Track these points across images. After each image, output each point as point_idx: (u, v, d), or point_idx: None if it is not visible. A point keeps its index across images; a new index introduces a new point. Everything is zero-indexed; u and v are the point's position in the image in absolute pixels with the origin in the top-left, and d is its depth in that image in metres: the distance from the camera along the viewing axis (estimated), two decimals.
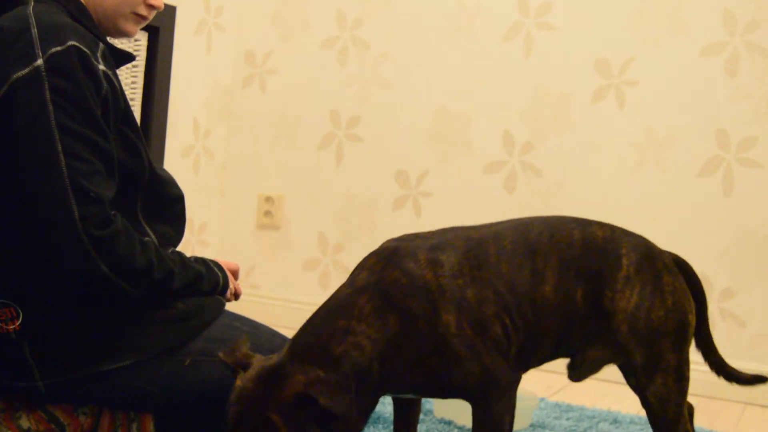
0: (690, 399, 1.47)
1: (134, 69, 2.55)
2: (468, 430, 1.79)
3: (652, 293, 1.34)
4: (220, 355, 1.28)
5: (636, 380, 1.37)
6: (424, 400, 1.50)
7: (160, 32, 2.62)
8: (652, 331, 1.33)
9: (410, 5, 2.83)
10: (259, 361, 1.23)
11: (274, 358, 1.23)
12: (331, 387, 1.17)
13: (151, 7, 1.50)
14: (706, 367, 1.53)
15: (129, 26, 1.49)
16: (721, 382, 1.53)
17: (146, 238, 1.40)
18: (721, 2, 2.42)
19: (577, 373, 1.42)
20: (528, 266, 1.31)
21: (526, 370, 1.36)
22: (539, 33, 2.65)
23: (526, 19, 2.66)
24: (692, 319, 1.36)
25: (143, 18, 1.50)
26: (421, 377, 1.26)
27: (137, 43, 2.53)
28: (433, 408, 1.93)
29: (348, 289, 1.27)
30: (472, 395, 1.29)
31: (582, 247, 1.35)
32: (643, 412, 2.09)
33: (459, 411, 1.86)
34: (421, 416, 1.87)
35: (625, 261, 1.35)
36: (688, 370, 1.36)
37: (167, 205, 1.56)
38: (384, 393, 1.29)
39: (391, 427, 1.75)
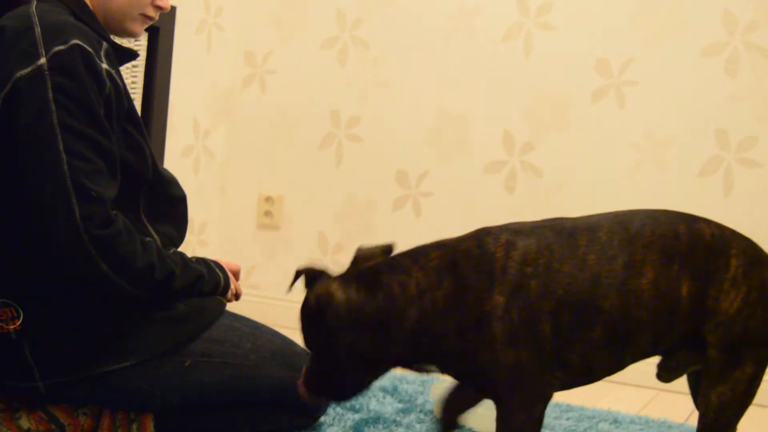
0: (685, 397, 1.46)
1: (134, 69, 2.55)
2: (468, 430, 1.79)
3: (756, 300, 1.29)
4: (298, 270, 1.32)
5: (706, 381, 1.31)
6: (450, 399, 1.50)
7: (160, 32, 2.62)
8: (744, 339, 1.28)
9: (410, 5, 2.83)
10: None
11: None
12: (345, 298, 1.20)
13: (158, 8, 1.51)
14: None
15: (136, 27, 1.50)
16: None
17: (148, 239, 1.40)
18: (721, 2, 2.42)
19: (667, 375, 1.37)
20: (622, 258, 1.25)
21: (621, 364, 1.30)
22: (539, 33, 2.65)
23: (526, 19, 2.66)
24: None
25: (150, 19, 1.51)
26: (453, 349, 1.24)
27: (137, 43, 2.53)
28: (433, 408, 1.93)
29: (435, 243, 1.29)
30: (497, 389, 1.24)
31: (688, 243, 1.29)
32: (643, 412, 2.09)
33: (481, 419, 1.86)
34: (421, 416, 1.87)
35: (734, 262, 1.29)
36: (758, 386, 1.32)
37: (170, 205, 1.56)
38: (407, 359, 1.28)
39: (392, 427, 1.75)
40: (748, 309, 1.28)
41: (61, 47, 1.30)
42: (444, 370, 1.31)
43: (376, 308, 1.21)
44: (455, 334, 1.22)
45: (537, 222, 1.31)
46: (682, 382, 1.44)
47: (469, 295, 1.22)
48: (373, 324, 1.22)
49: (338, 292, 1.21)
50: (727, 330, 1.28)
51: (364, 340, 1.22)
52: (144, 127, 1.49)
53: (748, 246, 1.34)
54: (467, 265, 1.24)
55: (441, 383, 1.94)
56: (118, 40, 1.56)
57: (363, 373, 1.27)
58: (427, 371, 1.35)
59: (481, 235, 1.28)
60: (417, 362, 1.31)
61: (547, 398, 1.26)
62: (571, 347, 1.24)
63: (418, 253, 1.27)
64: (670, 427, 1.93)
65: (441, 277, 1.23)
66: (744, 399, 1.31)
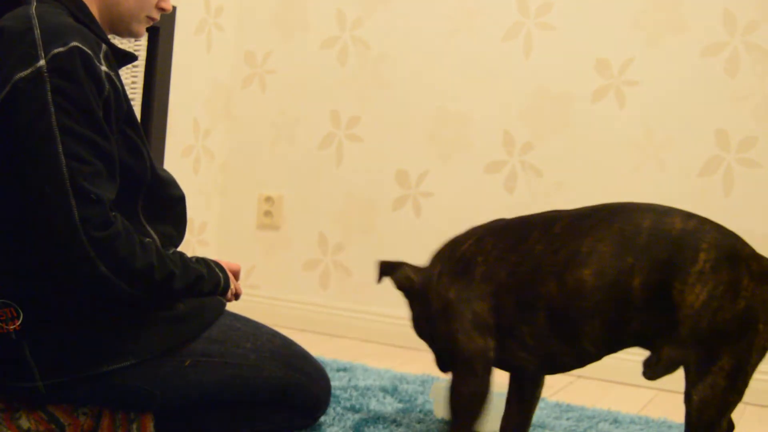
0: None
1: (134, 69, 2.55)
2: None
3: (723, 293, 1.29)
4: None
5: (688, 379, 1.33)
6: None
7: (160, 32, 2.62)
8: (714, 332, 1.29)
9: (410, 5, 2.83)
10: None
11: None
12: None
13: (161, 9, 1.53)
14: None
15: (141, 28, 1.54)
16: None
17: (147, 239, 1.40)
18: (721, 2, 2.42)
19: (650, 371, 1.38)
20: (568, 249, 1.36)
21: (583, 353, 1.39)
22: (539, 33, 2.65)
23: (526, 19, 2.66)
24: (764, 330, 1.29)
25: (153, 20, 1.54)
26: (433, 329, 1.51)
27: (137, 43, 2.53)
28: (433, 408, 1.93)
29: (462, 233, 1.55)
30: (450, 359, 1.48)
31: (649, 236, 1.33)
32: (643, 412, 2.09)
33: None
34: (421, 416, 1.87)
35: (702, 256, 1.30)
36: (743, 383, 1.30)
37: (168, 206, 1.56)
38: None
39: (392, 427, 1.76)
40: (715, 303, 1.29)
41: (61, 49, 1.30)
42: (433, 343, 1.55)
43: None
44: (432, 319, 1.50)
45: (513, 218, 1.49)
46: (682, 382, 1.44)
47: (432, 283, 1.49)
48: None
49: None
50: (694, 323, 1.29)
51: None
52: (142, 129, 1.49)
53: (723, 241, 1.33)
54: (450, 255, 1.50)
55: (440, 383, 1.95)
56: (118, 41, 1.57)
57: None
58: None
59: (470, 232, 1.51)
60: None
61: (485, 353, 1.43)
62: (521, 327, 1.40)
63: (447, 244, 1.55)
64: (670, 427, 1.93)
65: (436, 263, 1.52)
66: (725, 396, 1.30)
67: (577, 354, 1.40)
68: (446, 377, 2.02)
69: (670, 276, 1.31)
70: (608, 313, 1.34)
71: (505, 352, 1.44)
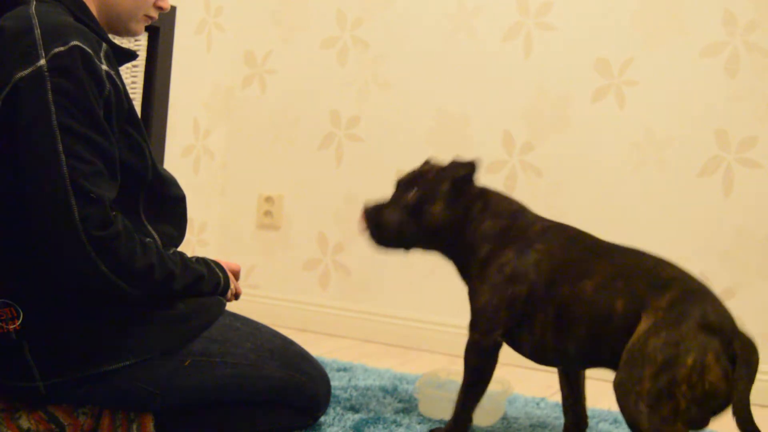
0: None
1: (134, 69, 2.55)
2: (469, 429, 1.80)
3: (665, 325, 1.40)
4: None
5: (615, 395, 1.44)
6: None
7: (160, 32, 2.62)
8: (641, 354, 1.40)
9: (410, 5, 2.83)
10: None
11: None
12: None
13: (159, 8, 1.54)
14: None
15: (139, 27, 1.54)
16: None
17: (148, 239, 1.41)
18: (721, 2, 2.42)
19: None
20: (582, 266, 1.55)
21: (566, 352, 1.56)
22: (539, 33, 2.65)
23: (526, 19, 2.66)
24: (688, 374, 1.36)
25: (151, 18, 1.54)
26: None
27: (137, 43, 2.53)
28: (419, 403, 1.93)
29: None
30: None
31: (641, 272, 1.51)
32: None
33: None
34: (421, 416, 1.87)
35: (668, 295, 1.44)
36: (668, 409, 1.37)
37: (169, 205, 1.56)
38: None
39: (392, 427, 1.76)
40: (654, 330, 1.40)
41: (61, 48, 1.30)
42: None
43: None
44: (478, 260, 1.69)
45: (580, 234, 1.66)
46: None
47: (500, 236, 1.68)
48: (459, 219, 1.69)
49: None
50: (631, 344, 1.43)
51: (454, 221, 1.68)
52: (143, 127, 1.50)
53: (693, 288, 1.47)
54: (514, 225, 1.70)
55: (427, 376, 1.96)
56: (117, 40, 1.57)
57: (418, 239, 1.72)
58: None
59: (541, 219, 1.71)
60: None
61: (493, 336, 1.60)
62: (538, 314, 1.57)
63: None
64: None
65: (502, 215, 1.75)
66: (652, 417, 1.37)
67: (561, 353, 1.57)
68: (430, 375, 2.02)
69: (640, 307, 1.46)
70: (594, 325, 1.51)
71: (517, 329, 1.61)
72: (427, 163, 1.78)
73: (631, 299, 1.47)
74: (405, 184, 1.73)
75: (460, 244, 1.69)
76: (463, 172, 1.70)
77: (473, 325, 1.63)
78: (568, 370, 1.74)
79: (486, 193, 1.75)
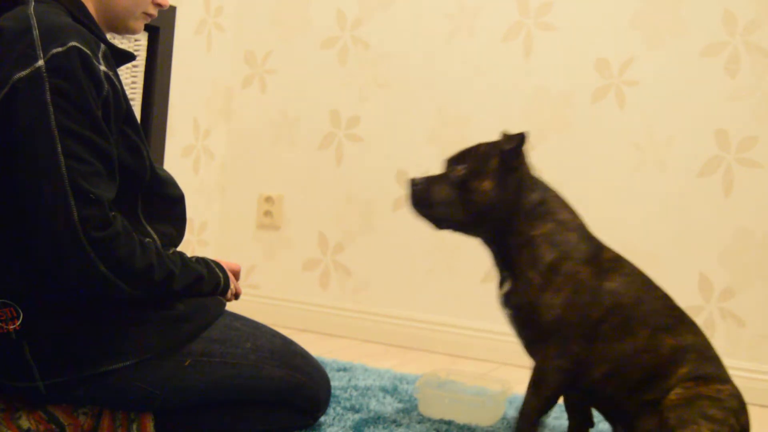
0: None
1: (134, 69, 2.55)
2: (469, 429, 1.79)
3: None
4: None
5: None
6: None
7: (160, 32, 2.62)
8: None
9: (410, 5, 2.83)
10: None
11: None
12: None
13: (158, 5, 1.53)
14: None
15: (138, 25, 1.54)
16: None
17: (147, 239, 1.41)
18: (721, 2, 2.42)
19: None
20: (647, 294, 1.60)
21: (578, 348, 1.57)
22: (539, 33, 2.65)
23: (526, 19, 2.66)
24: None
25: (150, 16, 1.54)
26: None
27: (137, 43, 2.53)
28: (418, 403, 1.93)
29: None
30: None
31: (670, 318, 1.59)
32: None
33: (459, 411, 1.86)
34: (421, 417, 1.87)
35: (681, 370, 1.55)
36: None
37: (168, 206, 1.56)
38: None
39: (392, 427, 1.75)
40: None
41: (59, 49, 1.30)
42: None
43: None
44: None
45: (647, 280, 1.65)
46: None
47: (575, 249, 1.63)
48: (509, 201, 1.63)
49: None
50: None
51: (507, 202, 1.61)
52: (141, 128, 1.50)
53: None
54: (591, 240, 1.65)
55: (427, 376, 1.96)
56: (117, 39, 1.57)
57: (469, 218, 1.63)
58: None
59: (616, 256, 1.66)
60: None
61: (562, 364, 1.58)
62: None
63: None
64: None
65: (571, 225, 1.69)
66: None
67: (582, 347, 1.59)
68: (430, 375, 2.03)
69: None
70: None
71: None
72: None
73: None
74: (454, 160, 1.68)
75: (508, 231, 1.61)
76: (512, 144, 1.62)
77: (550, 343, 1.58)
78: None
79: (545, 189, 1.66)
